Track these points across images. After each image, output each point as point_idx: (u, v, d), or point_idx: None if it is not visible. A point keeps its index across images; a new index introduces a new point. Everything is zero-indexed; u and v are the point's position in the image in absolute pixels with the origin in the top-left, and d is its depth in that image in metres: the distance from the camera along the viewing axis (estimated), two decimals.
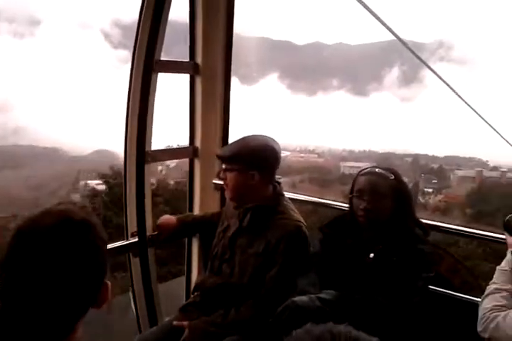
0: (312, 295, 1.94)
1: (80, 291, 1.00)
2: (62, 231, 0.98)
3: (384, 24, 2.11)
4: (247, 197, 2.29)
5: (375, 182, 2.04)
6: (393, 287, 1.90)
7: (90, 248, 1.01)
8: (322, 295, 1.95)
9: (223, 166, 2.33)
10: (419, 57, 2.59)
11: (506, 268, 1.77)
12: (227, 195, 2.37)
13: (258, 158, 2.23)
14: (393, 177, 2.05)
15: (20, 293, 0.96)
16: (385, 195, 2.02)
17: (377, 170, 2.08)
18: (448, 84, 2.30)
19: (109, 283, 1.08)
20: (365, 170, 2.10)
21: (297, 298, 1.92)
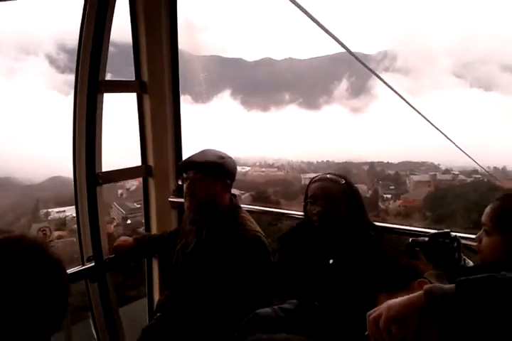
0: (275, 307, 1.94)
1: (34, 317, 0.95)
2: (8, 257, 0.94)
3: (334, 37, 2.18)
4: (210, 206, 2.28)
5: (327, 187, 2.09)
6: (354, 290, 1.92)
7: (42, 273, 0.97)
8: (285, 306, 1.95)
9: (189, 175, 2.28)
10: (370, 69, 2.67)
11: None
12: (191, 205, 2.29)
13: (230, 167, 2.31)
14: (344, 181, 2.11)
15: None
16: (338, 198, 2.07)
17: (328, 176, 2.14)
18: (397, 93, 2.39)
19: None
20: (317, 178, 2.16)
21: (260, 310, 1.91)
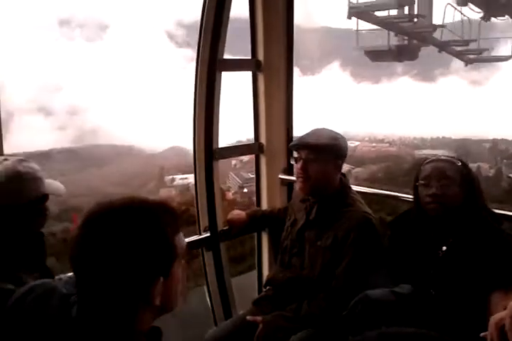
0: (386, 289, 1.91)
1: (144, 268, 1.05)
2: (126, 213, 1.06)
3: None
4: (323, 187, 2.28)
5: (442, 167, 1.95)
6: (466, 282, 1.82)
7: (153, 230, 1.07)
8: (396, 289, 1.91)
9: (302, 155, 2.28)
10: None
11: None
12: (304, 186, 2.30)
13: (342, 148, 2.29)
14: (460, 163, 1.97)
15: (89, 268, 1.04)
16: (454, 179, 1.92)
17: (442, 157, 2.02)
18: None
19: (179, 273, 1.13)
20: (430, 159, 2.04)
21: (371, 291, 1.89)
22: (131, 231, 1.04)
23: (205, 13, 2.48)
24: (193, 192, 2.77)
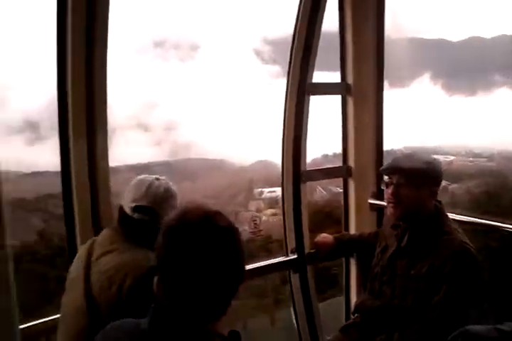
0: (489, 325, 1.79)
1: (224, 275, 1.12)
2: (205, 225, 1.12)
3: None
4: (415, 213, 2.21)
5: None
6: None
7: (230, 238, 1.14)
8: (501, 327, 1.78)
9: (393, 180, 2.21)
10: None
11: None
12: (395, 212, 2.24)
13: (436, 173, 2.21)
14: None
15: (174, 280, 1.11)
16: None
17: None
18: None
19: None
20: None
21: (471, 326, 1.79)
22: (212, 232, 1.12)
23: (295, 40, 2.57)
24: (281, 204, 2.80)
